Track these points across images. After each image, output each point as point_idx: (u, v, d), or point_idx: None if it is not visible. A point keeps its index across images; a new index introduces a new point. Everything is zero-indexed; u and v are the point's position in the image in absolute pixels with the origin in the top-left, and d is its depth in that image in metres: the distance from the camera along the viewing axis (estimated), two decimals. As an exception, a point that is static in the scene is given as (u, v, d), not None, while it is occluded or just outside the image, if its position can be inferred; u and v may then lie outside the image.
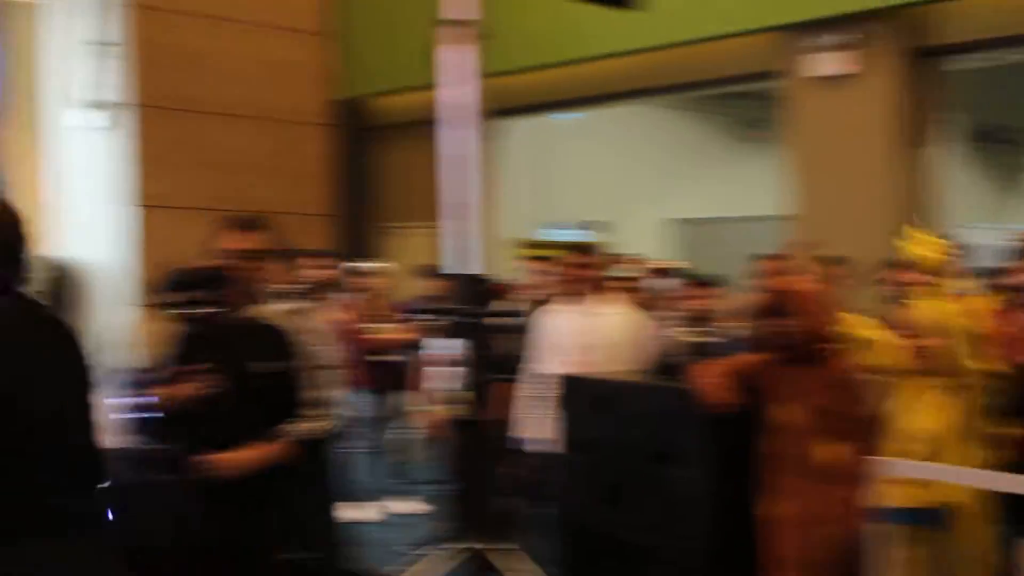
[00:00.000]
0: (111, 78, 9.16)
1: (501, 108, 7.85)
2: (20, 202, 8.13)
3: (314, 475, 4.35)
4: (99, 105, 9.15)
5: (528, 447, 5.65)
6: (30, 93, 9.45)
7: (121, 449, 4.16)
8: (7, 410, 2.62)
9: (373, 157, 10.90)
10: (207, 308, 3.99)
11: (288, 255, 5.04)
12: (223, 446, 3.78)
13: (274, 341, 4.05)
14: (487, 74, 5.00)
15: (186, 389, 3.81)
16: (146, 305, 5.43)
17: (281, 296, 4.59)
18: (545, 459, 5.40)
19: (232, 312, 4.05)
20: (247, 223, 4.35)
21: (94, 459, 2.83)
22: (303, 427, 4.00)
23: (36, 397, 2.67)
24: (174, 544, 3.77)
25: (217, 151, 9.63)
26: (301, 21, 10.39)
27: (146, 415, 4.18)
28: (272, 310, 4.35)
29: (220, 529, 3.77)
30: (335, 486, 4.90)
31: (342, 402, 5.33)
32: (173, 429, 3.94)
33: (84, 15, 9.20)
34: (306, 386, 4.08)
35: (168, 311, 4.17)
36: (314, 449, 4.20)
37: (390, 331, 7.29)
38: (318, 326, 4.84)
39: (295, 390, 4.03)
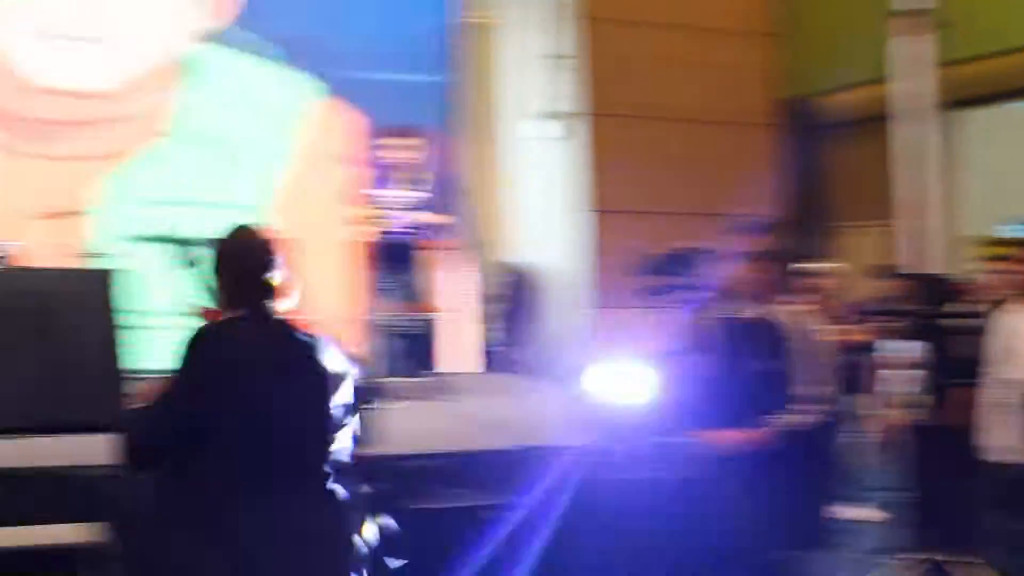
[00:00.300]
0: (565, 89, 9.66)
1: (958, 99, 7.43)
2: (478, 209, 8.78)
3: (803, 468, 4.45)
4: (554, 116, 9.67)
5: (992, 456, 5.36)
6: (488, 107, 10.11)
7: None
8: (249, 424, 2.85)
9: (821, 156, 10.69)
10: (686, 292, 4.19)
11: (789, 257, 5.10)
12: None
13: (770, 338, 4.18)
14: (943, 64, 4.79)
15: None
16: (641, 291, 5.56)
17: (776, 297, 4.67)
18: (1010, 469, 5.10)
19: (730, 305, 4.22)
20: (758, 227, 4.50)
21: (324, 476, 2.99)
22: (790, 418, 4.11)
23: (276, 412, 2.88)
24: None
25: (667, 155, 9.86)
26: (749, 23, 10.40)
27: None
28: (773, 309, 4.46)
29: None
30: (828, 482, 4.94)
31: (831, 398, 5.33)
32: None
33: (539, 30, 9.74)
34: (796, 381, 4.20)
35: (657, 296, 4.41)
36: (805, 442, 4.31)
37: (844, 333, 7.15)
38: (810, 325, 4.88)
39: (784, 384, 4.16)
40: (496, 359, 9.34)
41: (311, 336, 3.14)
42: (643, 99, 9.85)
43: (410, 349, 7.51)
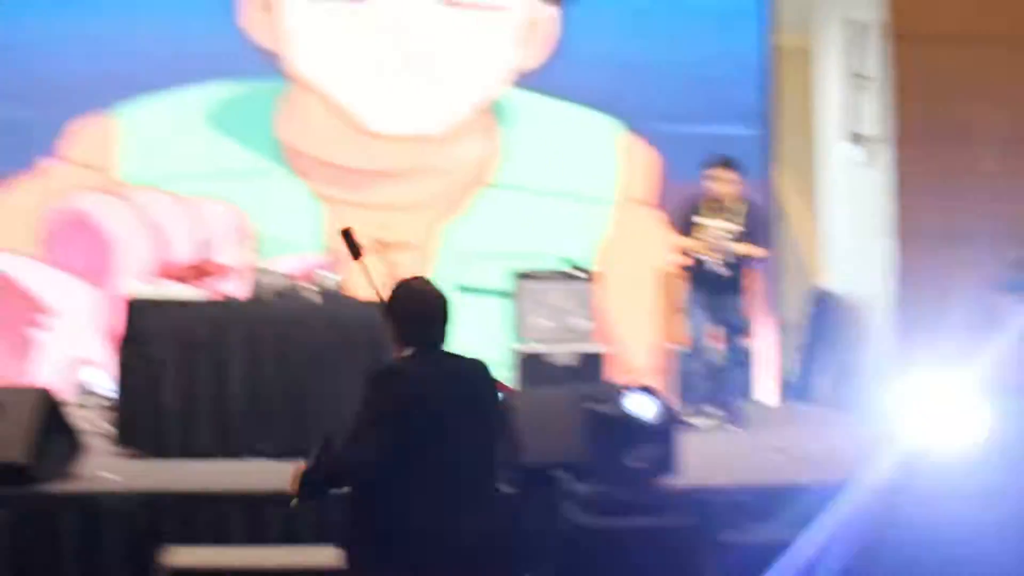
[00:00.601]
0: (871, 111, 9.47)
1: None
2: (793, 235, 8.66)
3: None
4: (859, 139, 9.49)
5: None
6: (802, 131, 10.01)
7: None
8: (419, 452, 3.15)
9: None
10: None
11: None
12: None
13: None
14: None
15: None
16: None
17: None
18: None
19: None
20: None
21: (493, 489, 3.36)
22: None
23: (444, 440, 3.19)
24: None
25: (977, 178, 9.48)
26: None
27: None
28: None
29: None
30: None
31: None
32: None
33: (852, 51, 9.57)
34: None
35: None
36: None
37: None
38: None
39: None
40: (798, 389, 9.26)
41: (474, 363, 3.47)
42: (951, 119, 9.52)
43: (721, 379, 7.62)
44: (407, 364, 3.38)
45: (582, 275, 7.19)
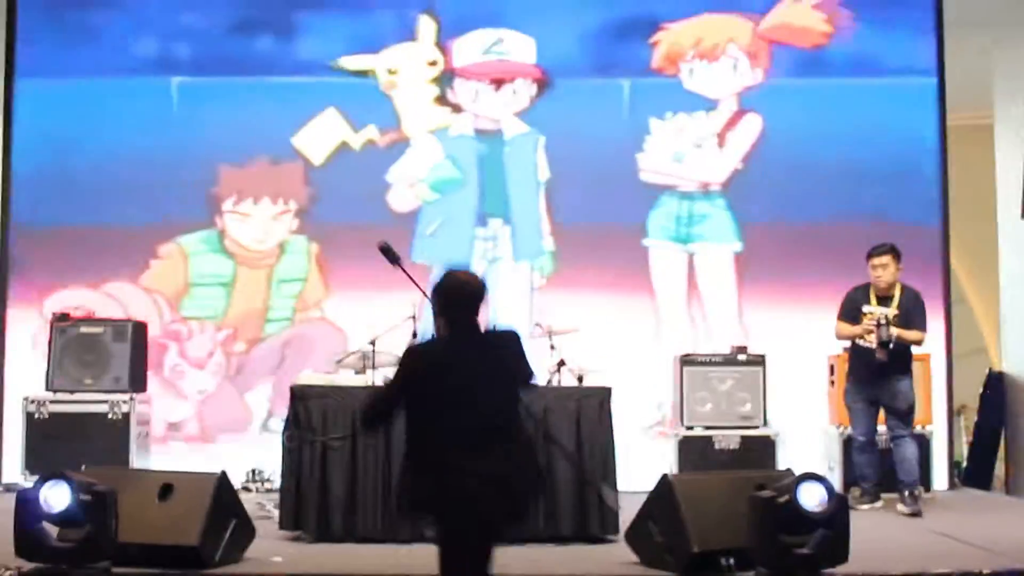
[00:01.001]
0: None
1: None
2: (969, 318, 8.39)
3: None
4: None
5: None
6: (981, 213, 9.71)
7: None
8: (453, 406, 4.07)
9: None
10: None
11: None
12: None
13: None
14: None
15: None
16: None
17: None
18: None
19: None
20: None
21: (514, 431, 4.21)
22: None
23: (474, 396, 4.08)
24: None
25: None
26: None
27: None
28: None
29: None
30: None
31: None
32: None
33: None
34: None
35: None
36: None
37: None
38: None
39: None
40: (972, 474, 8.92)
41: (504, 333, 4.36)
42: None
43: (890, 463, 7.45)
44: (436, 342, 4.32)
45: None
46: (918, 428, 7.83)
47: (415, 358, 4.33)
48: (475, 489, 4.01)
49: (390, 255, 5.82)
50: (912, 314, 7.28)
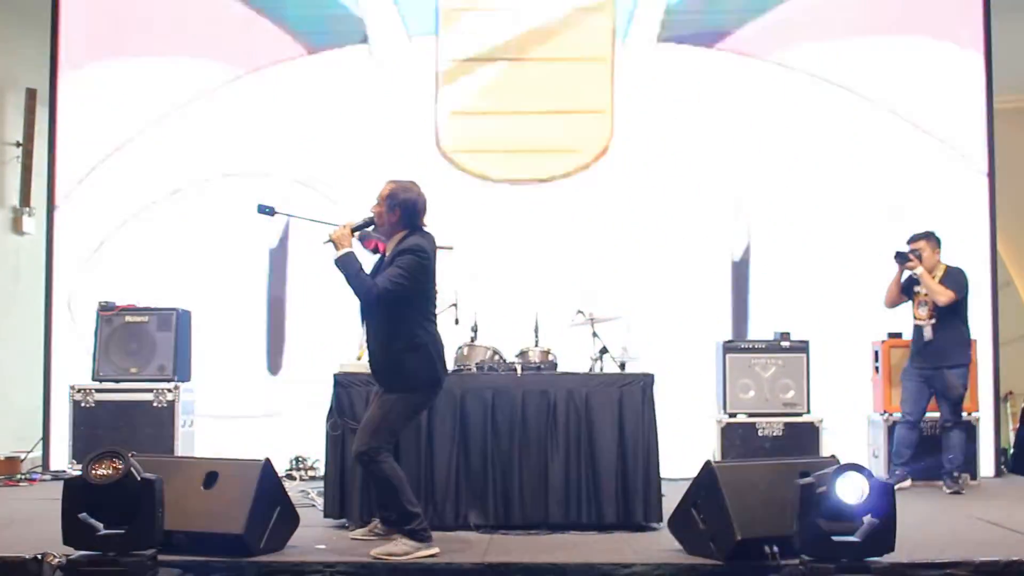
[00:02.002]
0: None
1: None
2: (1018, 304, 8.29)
3: None
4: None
5: None
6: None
7: None
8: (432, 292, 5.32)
9: None
10: None
11: None
12: None
13: None
14: None
15: None
16: None
17: None
18: None
19: None
20: None
21: None
22: None
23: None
24: None
25: None
26: None
27: None
28: None
29: None
30: None
31: None
32: None
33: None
34: None
35: None
36: None
37: None
38: None
39: None
40: (1019, 461, 8.81)
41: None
42: None
43: (937, 448, 7.67)
44: (423, 239, 5.27)
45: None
46: (964, 415, 7.87)
47: (430, 250, 5.26)
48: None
49: (267, 211, 5.60)
50: (944, 280, 7.53)
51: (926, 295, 7.54)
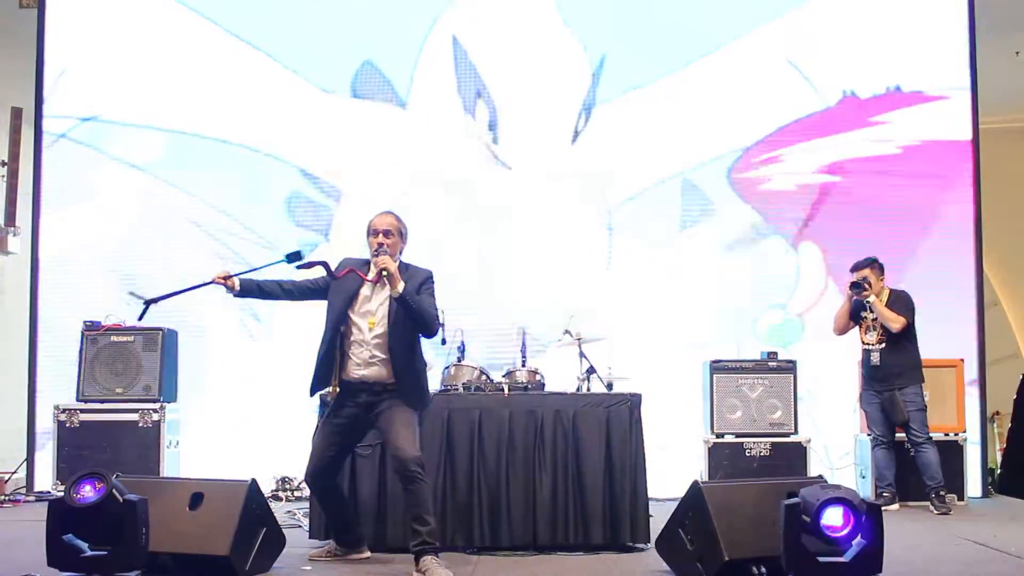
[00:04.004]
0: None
1: None
2: (1002, 323, 8.27)
3: None
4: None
5: None
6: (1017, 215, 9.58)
7: None
8: None
9: None
10: None
11: None
12: None
13: None
14: None
15: None
16: None
17: None
18: None
19: None
20: None
21: None
22: None
23: None
24: None
25: None
26: None
27: None
28: None
29: None
30: None
31: None
32: None
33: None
34: None
35: None
36: None
37: None
38: None
39: None
40: (1006, 481, 8.82)
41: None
42: None
43: (915, 467, 7.66)
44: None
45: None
46: (951, 435, 8.00)
47: None
48: None
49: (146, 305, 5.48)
50: (894, 305, 7.71)
51: (874, 320, 7.72)
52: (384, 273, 5.31)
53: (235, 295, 5.45)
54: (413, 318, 5.35)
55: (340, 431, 5.52)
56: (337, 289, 5.49)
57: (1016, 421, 9.07)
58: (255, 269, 5.58)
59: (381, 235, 5.45)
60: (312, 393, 5.57)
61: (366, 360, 5.40)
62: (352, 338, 5.43)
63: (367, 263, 5.53)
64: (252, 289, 5.50)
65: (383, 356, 5.38)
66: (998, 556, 5.75)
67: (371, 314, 5.42)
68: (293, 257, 5.44)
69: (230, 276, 5.38)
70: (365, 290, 5.46)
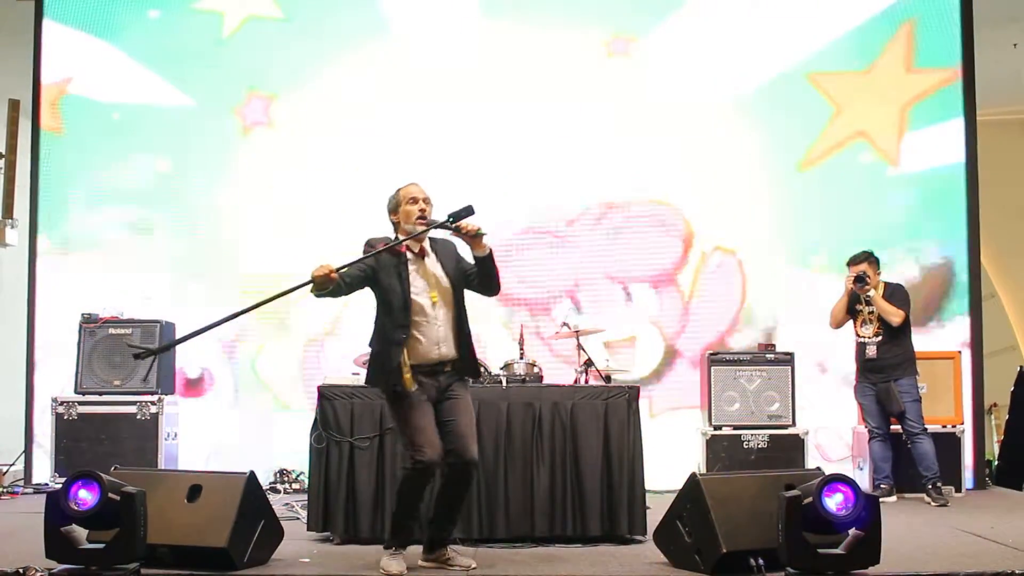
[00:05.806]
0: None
1: None
2: (1000, 315, 8.31)
3: None
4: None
5: None
6: (1014, 209, 9.57)
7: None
8: None
9: None
10: None
11: None
12: None
13: None
14: None
15: None
16: None
17: None
18: None
19: None
20: None
21: None
22: None
23: None
24: None
25: None
26: None
27: None
28: None
29: None
30: None
31: None
32: None
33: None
34: None
35: None
36: None
37: None
38: None
39: None
40: (1004, 473, 8.83)
41: None
42: None
43: (912, 459, 7.67)
44: None
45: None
46: (948, 427, 8.04)
47: None
48: None
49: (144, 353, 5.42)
50: (892, 298, 7.74)
51: (871, 313, 7.74)
52: (480, 233, 5.06)
53: (322, 295, 5.01)
54: (492, 275, 5.18)
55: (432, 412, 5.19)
56: (387, 271, 5.16)
57: (1013, 413, 9.09)
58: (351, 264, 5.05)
59: (422, 201, 5.20)
60: (376, 385, 5.28)
61: (440, 338, 5.17)
62: (416, 317, 5.14)
63: (388, 240, 5.20)
64: (340, 286, 5.03)
65: (451, 331, 5.19)
66: (995, 547, 5.76)
67: (428, 289, 5.17)
68: (460, 215, 5.07)
69: (334, 270, 4.92)
70: (412, 265, 5.20)
